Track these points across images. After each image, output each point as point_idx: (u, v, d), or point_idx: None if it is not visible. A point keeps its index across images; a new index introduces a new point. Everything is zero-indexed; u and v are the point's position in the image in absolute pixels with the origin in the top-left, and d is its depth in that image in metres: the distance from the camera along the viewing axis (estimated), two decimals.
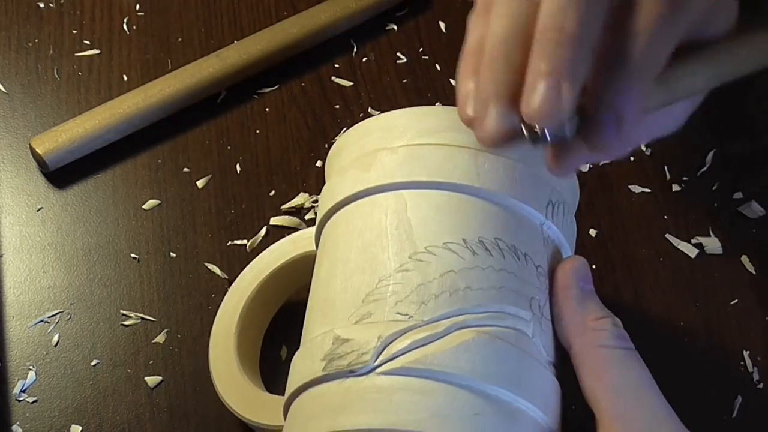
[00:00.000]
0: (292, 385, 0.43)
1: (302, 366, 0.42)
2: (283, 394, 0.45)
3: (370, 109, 0.64)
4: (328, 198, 0.47)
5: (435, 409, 0.38)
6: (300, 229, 0.59)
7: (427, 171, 0.44)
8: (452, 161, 0.44)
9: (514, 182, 0.44)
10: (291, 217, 0.59)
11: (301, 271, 0.52)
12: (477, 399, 0.39)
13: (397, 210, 0.44)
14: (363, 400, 0.39)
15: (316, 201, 0.60)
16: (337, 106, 0.64)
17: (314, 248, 0.50)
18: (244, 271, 0.54)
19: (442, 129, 0.46)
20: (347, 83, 0.65)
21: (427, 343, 0.39)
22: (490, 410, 0.39)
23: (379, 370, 0.39)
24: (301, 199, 0.60)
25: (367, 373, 0.39)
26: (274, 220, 0.59)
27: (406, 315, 0.40)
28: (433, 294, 0.41)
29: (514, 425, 0.39)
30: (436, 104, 0.64)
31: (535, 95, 0.38)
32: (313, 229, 0.50)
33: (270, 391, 0.50)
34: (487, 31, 0.40)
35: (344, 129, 0.63)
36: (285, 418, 0.44)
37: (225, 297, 0.53)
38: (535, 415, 0.40)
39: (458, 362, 0.39)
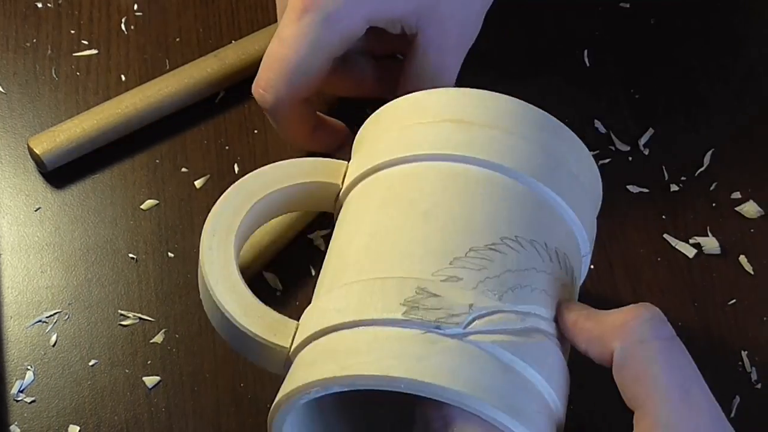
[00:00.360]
0: (349, 314, 0.40)
1: (363, 302, 0.40)
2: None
3: (367, 110, 0.64)
4: (398, 145, 0.46)
5: (519, 393, 0.39)
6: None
7: (538, 161, 0.45)
8: (560, 169, 0.45)
9: (587, 206, 0.47)
10: None
11: (317, 197, 0.49)
12: (546, 408, 0.40)
13: (502, 186, 0.44)
14: (455, 357, 0.38)
15: None
16: (336, 106, 0.64)
17: (339, 183, 0.48)
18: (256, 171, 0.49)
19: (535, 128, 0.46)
20: None
21: (513, 332, 0.40)
22: (556, 416, 0.41)
23: (470, 338, 0.39)
24: None
25: (454, 336, 0.39)
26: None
27: (496, 294, 0.40)
28: (518, 284, 0.41)
29: (540, 401, 0.40)
30: None
31: None
32: (339, 162, 0.49)
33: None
34: None
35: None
36: (315, 342, 0.41)
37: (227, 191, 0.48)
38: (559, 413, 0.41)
39: (540, 361, 0.40)
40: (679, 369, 0.40)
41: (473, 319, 0.39)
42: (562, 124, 0.47)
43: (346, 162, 0.49)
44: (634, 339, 0.40)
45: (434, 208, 0.43)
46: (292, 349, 0.43)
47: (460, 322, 0.39)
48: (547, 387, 0.40)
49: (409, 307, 0.39)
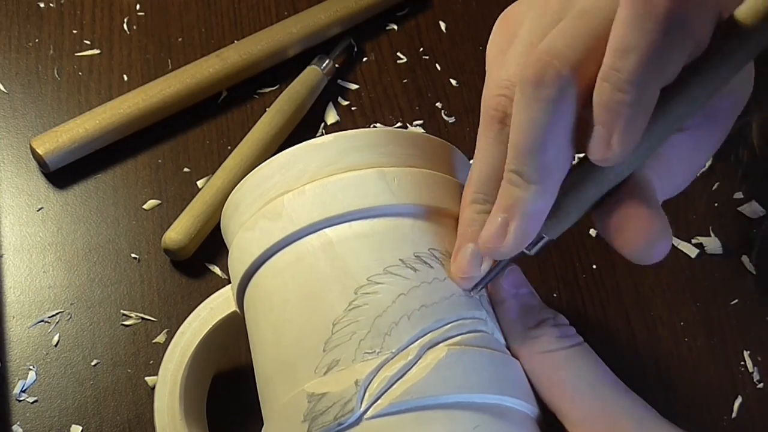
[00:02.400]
0: None
1: None
2: None
3: (371, 109, 0.64)
4: (242, 257, 0.45)
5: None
6: None
7: (341, 203, 0.43)
8: (362, 186, 0.43)
9: (428, 188, 0.44)
10: None
11: (228, 332, 0.50)
12: (471, 413, 0.39)
13: (325, 249, 0.42)
14: None
15: None
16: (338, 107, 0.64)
17: (235, 308, 0.48)
18: (168, 349, 0.50)
19: (340, 155, 0.44)
20: (347, 83, 0.65)
21: (404, 374, 0.39)
22: (485, 418, 0.39)
23: (367, 415, 0.38)
24: None
25: (357, 422, 0.38)
26: None
27: (373, 351, 0.40)
28: (392, 322, 0.40)
29: (509, 424, 0.39)
30: (437, 104, 0.64)
31: (484, 230, 0.40)
32: (226, 290, 0.49)
33: None
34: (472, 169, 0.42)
35: (343, 129, 0.63)
36: None
37: (158, 379, 0.49)
38: (522, 408, 0.40)
39: (441, 383, 0.39)
40: (587, 372, 0.41)
41: (364, 392, 0.39)
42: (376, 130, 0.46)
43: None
44: (537, 350, 0.42)
45: (285, 306, 0.43)
46: None
47: (353, 407, 0.38)
48: (466, 397, 0.39)
49: (310, 420, 0.39)
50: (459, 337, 0.40)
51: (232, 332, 0.50)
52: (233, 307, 0.49)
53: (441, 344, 0.40)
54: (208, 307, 0.50)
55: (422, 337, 0.40)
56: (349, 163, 0.44)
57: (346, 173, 0.44)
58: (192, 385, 0.50)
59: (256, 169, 0.46)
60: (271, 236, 0.44)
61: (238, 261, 0.46)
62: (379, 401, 0.38)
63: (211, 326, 0.49)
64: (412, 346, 0.40)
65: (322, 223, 0.43)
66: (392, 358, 0.39)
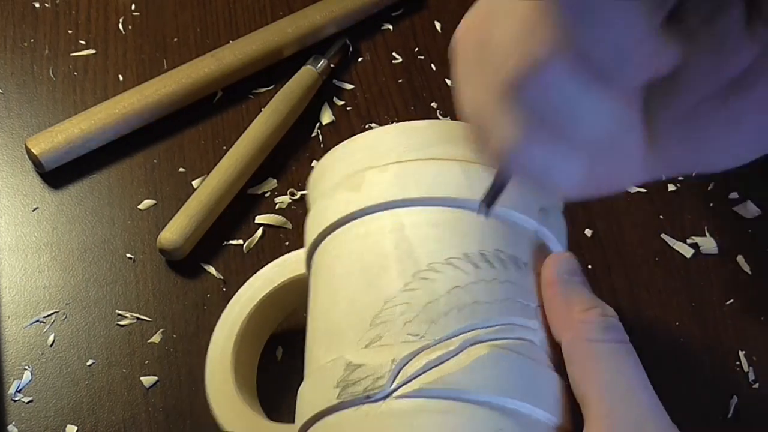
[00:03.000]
0: (304, 415, 0.42)
1: (314, 395, 0.41)
2: (284, 421, 0.44)
3: (366, 109, 0.64)
4: (317, 221, 0.46)
5: (457, 428, 0.38)
6: (287, 228, 0.59)
7: (419, 188, 0.44)
8: (444, 176, 0.44)
9: (507, 192, 0.44)
10: (281, 216, 0.60)
11: (292, 294, 0.52)
12: (497, 415, 0.39)
13: (395, 229, 0.43)
14: (383, 425, 0.38)
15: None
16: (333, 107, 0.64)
17: (303, 272, 0.49)
18: (232, 300, 0.52)
19: (429, 144, 0.45)
20: (342, 83, 0.65)
21: (441, 363, 0.39)
22: (510, 424, 0.39)
23: (396, 393, 0.39)
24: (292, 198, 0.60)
25: (384, 398, 0.39)
26: (265, 219, 0.59)
27: (417, 335, 0.40)
28: (441, 312, 0.40)
29: None
30: (432, 104, 0.64)
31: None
32: (299, 252, 0.50)
33: (271, 418, 0.49)
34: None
35: (341, 128, 0.63)
36: None
37: (217, 326, 0.51)
38: (551, 422, 0.40)
39: (475, 379, 0.39)
40: (625, 371, 0.40)
41: (399, 371, 0.39)
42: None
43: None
44: (581, 336, 0.41)
45: (346, 274, 0.43)
46: None
47: (384, 383, 0.39)
48: (496, 399, 0.39)
49: (342, 387, 0.40)
50: (505, 341, 0.40)
51: (296, 294, 0.51)
52: (301, 270, 0.50)
53: (485, 343, 0.40)
54: (278, 265, 0.52)
55: (468, 332, 0.40)
56: (436, 152, 0.45)
57: (430, 160, 0.45)
58: (248, 340, 0.51)
59: (347, 140, 0.48)
60: (347, 206, 0.45)
61: (313, 224, 0.47)
62: (410, 383, 0.39)
63: (277, 284, 0.51)
64: (455, 338, 0.40)
65: (397, 204, 0.44)
66: (433, 345, 0.40)
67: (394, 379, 0.39)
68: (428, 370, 0.39)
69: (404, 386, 0.39)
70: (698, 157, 0.34)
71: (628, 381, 0.40)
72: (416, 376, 0.39)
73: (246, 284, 0.52)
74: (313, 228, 0.47)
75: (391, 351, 0.40)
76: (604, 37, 0.30)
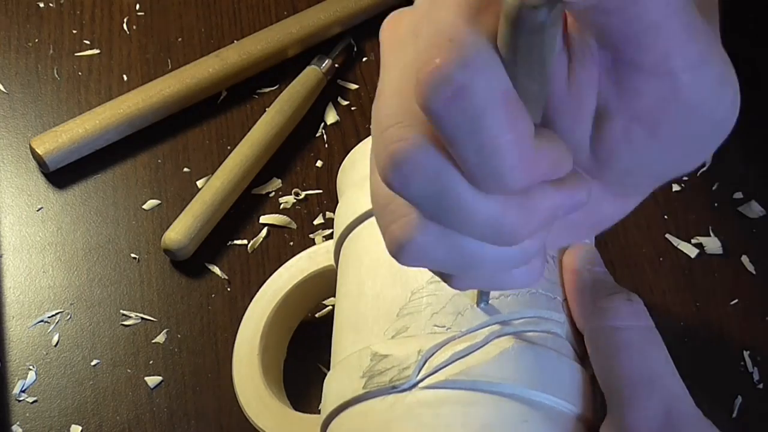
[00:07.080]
0: (329, 405, 0.42)
1: (340, 385, 0.42)
2: (310, 411, 0.44)
3: (371, 109, 0.64)
4: (346, 212, 0.47)
5: (483, 419, 0.38)
6: (292, 228, 0.59)
7: None
8: None
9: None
10: (285, 216, 0.60)
11: (319, 286, 0.52)
12: (523, 407, 0.39)
13: None
14: (409, 415, 0.38)
15: (306, 198, 0.60)
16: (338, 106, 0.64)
17: (330, 263, 0.50)
18: (261, 288, 0.53)
19: None
20: (347, 83, 0.65)
21: (468, 354, 0.39)
22: (536, 417, 0.39)
23: (422, 384, 0.39)
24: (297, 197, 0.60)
25: (410, 389, 0.39)
26: (270, 219, 0.59)
27: (444, 326, 0.40)
28: (469, 303, 0.41)
29: (559, 429, 0.39)
30: None
31: None
32: (329, 244, 0.50)
33: (297, 409, 0.50)
34: None
35: (344, 128, 0.63)
36: None
37: (244, 316, 0.52)
38: (574, 414, 0.40)
39: (502, 371, 0.39)
40: (651, 356, 0.40)
41: (425, 362, 0.39)
42: None
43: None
44: (605, 323, 0.40)
45: (373, 265, 0.44)
46: None
47: (410, 374, 0.39)
48: (522, 391, 0.39)
49: (368, 377, 0.40)
50: (531, 334, 0.40)
51: (324, 285, 0.51)
52: (328, 261, 0.50)
53: (511, 335, 0.40)
54: (308, 256, 0.52)
55: (494, 324, 0.40)
56: None
57: None
58: (275, 331, 0.52)
59: None
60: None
61: (343, 215, 0.47)
62: (435, 374, 0.39)
63: (305, 275, 0.52)
64: (481, 330, 0.40)
65: None
66: (459, 337, 0.40)
67: (420, 370, 0.39)
68: (454, 361, 0.39)
69: (430, 377, 0.39)
70: (640, 181, 0.36)
71: (654, 369, 0.39)
72: (442, 368, 0.39)
73: (275, 274, 0.53)
74: (342, 219, 0.47)
75: (418, 342, 0.40)
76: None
